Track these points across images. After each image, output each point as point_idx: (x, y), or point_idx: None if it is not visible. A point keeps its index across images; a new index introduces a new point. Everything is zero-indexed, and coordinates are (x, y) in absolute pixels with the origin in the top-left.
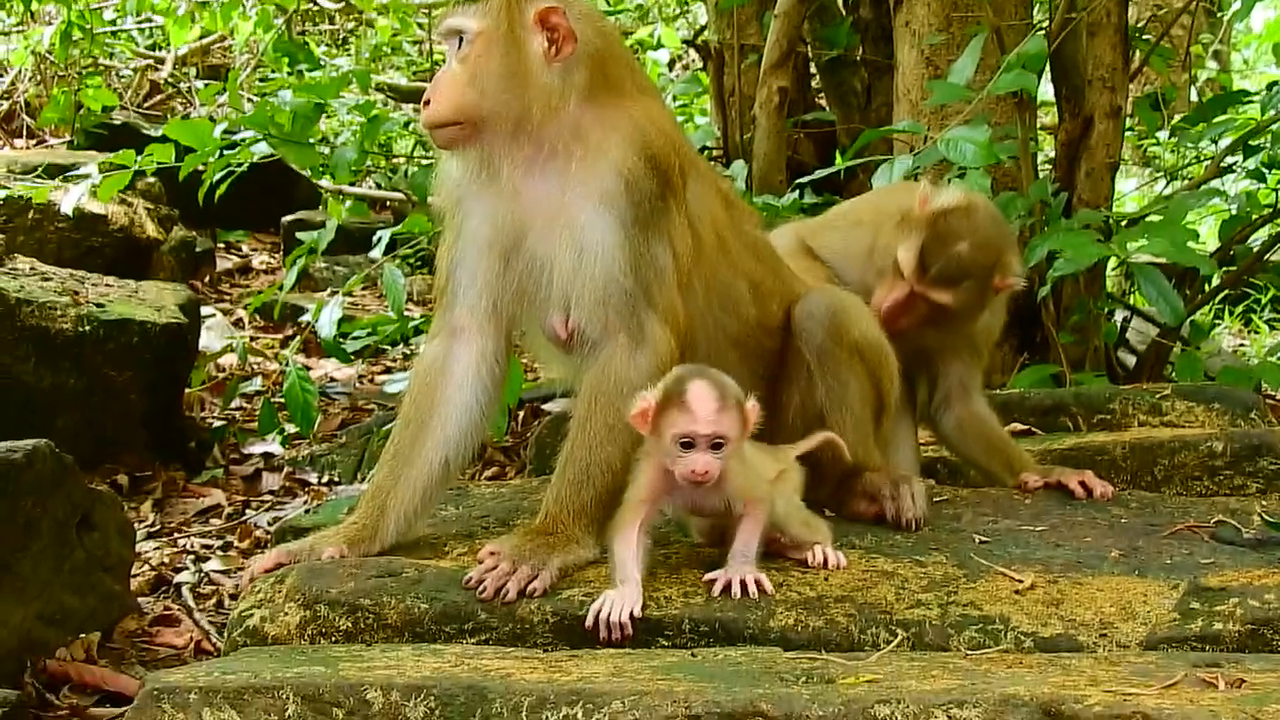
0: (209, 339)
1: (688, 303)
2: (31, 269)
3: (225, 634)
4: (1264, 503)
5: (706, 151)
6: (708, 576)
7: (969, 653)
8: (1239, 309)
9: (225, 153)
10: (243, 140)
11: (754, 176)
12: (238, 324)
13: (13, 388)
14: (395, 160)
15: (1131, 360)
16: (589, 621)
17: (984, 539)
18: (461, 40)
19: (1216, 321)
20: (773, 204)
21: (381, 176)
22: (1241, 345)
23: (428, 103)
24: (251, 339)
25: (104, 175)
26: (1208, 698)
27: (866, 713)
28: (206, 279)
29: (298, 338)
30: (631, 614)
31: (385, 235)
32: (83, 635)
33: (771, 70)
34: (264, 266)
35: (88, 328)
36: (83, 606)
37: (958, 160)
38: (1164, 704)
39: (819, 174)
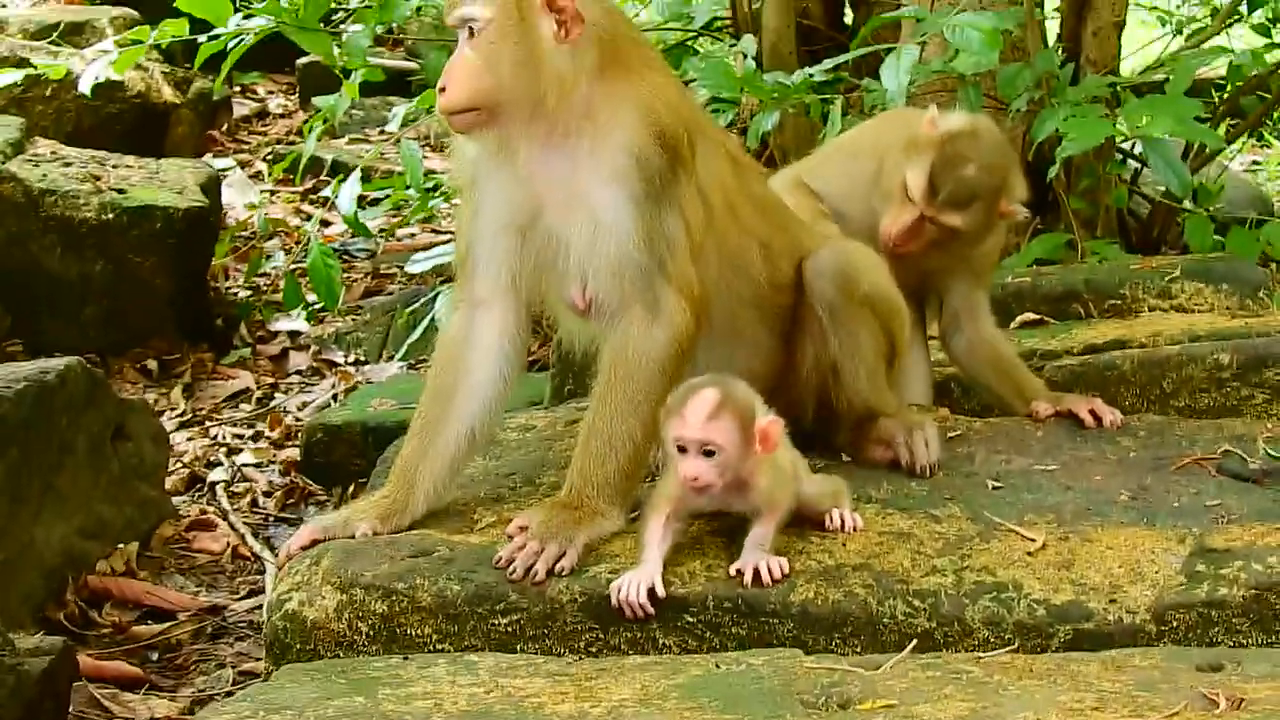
0: (230, 195)
1: (701, 270)
2: (53, 154)
3: (265, 616)
4: (1269, 425)
5: (715, 24)
6: (733, 568)
7: (981, 656)
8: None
9: (235, 45)
10: (255, 29)
11: (763, 50)
12: (257, 177)
13: (40, 277)
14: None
15: (1145, 209)
16: (613, 601)
17: (996, 484)
18: (472, 28)
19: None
20: (783, 83)
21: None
22: (1255, 163)
23: (443, 89)
24: (272, 193)
25: (120, 50)
26: None
27: None
28: (224, 127)
29: (317, 216)
30: (652, 592)
31: (400, 111)
32: (121, 546)
33: None
34: (281, 110)
35: (111, 215)
36: (120, 516)
37: (963, 48)
38: None
39: (828, 63)
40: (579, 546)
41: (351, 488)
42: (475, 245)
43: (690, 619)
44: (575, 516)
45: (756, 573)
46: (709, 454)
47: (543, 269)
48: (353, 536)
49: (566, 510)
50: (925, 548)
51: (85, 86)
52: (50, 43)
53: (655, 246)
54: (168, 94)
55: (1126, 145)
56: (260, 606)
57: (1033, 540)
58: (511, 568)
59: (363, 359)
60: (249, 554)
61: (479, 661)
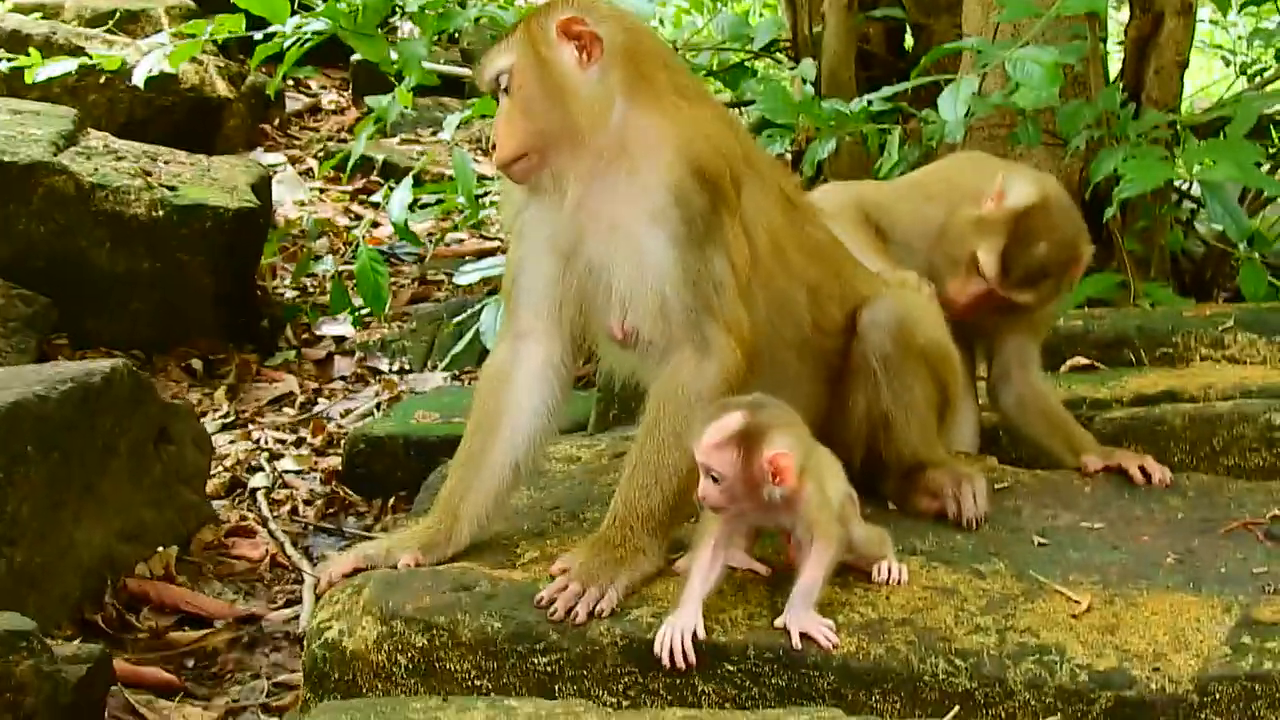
0: (280, 192)
1: (749, 310)
2: (105, 147)
3: (304, 644)
4: None
5: (775, 45)
6: (779, 623)
7: None
8: None
9: (291, 45)
10: (312, 32)
11: (822, 74)
12: (307, 174)
13: (88, 272)
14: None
15: (1199, 249)
16: (656, 649)
17: (1042, 540)
18: (502, 81)
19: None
20: (842, 110)
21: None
22: None
23: (494, 147)
24: (321, 191)
25: (175, 43)
26: None
27: None
28: (276, 122)
29: (366, 220)
30: (695, 636)
31: (454, 119)
32: (161, 550)
33: None
34: (333, 106)
35: (161, 213)
36: (160, 519)
37: (1024, 82)
38: None
39: (887, 91)
40: (620, 589)
41: (392, 500)
42: (519, 275)
43: (730, 668)
44: (617, 555)
45: (793, 638)
46: (714, 478)
47: (584, 298)
48: (394, 566)
49: (608, 549)
50: (969, 605)
51: (139, 79)
52: (106, 31)
53: (701, 288)
54: (221, 88)
55: (1182, 185)
56: (297, 618)
57: (1078, 603)
58: (553, 608)
59: (407, 367)
60: (287, 563)
61: (518, 707)
